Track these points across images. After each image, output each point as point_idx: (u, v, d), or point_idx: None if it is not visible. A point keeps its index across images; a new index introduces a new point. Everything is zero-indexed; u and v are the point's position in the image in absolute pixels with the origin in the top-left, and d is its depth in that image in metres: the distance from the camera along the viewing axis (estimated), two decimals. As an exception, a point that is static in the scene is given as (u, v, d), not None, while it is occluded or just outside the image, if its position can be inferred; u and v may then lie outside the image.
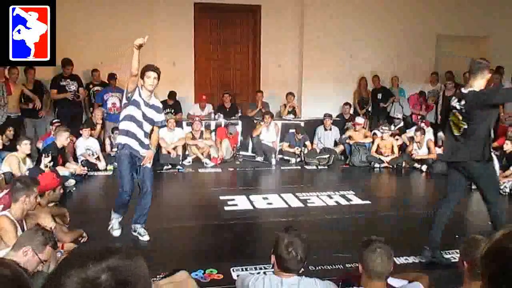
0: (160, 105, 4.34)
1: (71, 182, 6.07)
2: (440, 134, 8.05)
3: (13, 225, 3.00)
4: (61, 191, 4.15)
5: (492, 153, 6.24)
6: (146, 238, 4.15)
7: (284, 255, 2.23)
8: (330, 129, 8.47)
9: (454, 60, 9.70)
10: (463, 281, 2.31)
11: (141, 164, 4.11)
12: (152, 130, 4.23)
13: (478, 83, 3.48)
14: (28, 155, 6.03)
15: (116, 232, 4.23)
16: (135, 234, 4.19)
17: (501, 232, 1.09)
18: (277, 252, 2.25)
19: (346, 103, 9.21)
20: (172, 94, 8.64)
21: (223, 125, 8.49)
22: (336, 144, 8.51)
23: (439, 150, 7.65)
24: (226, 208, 5.24)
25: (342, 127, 8.88)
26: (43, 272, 2.60)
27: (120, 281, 0.73)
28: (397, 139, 8.15)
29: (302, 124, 8.66)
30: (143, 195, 4.17)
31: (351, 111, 9.25)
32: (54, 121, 7.21)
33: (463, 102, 3.51)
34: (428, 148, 7.56)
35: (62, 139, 6.22)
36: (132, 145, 4.08)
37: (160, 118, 4.25)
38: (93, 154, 7.20)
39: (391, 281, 2.35)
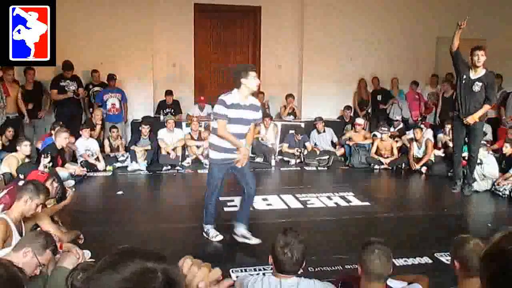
0: (258, 103, 4.22)
1: (71, 182, 6.06)
2: (440, 135, 8.06)
3: (5, 228, 2.97)
4: (54, 184, 4.11)
5: (491, 155, 6.36)
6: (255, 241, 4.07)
7: (280, 256, 2.23)
8: (324, 131, 8.46)
9: (453, 62, 9.69)
10: (457, 281, 2.31)
11: (238, 165, 4.02)
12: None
13: None
14: (28, 156, 6.02)
15: (219, 237, 4.23)
16: (240, 238, 4.12)
17: (500, 234, 1.10)
18: (274, 253, 2.26)
19: (347, 107, 9.21)
20: (168, 92, 8.62)
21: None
22: (334, 144, 8.52)
23: (439, 152, 7.67)
24: (226, 209, 5.23)
25: (343, 129, 8.89)
26: (42, 274, 2.60)
27: (171, 280, 0.89)
28: (396, 141, 8.16)
29: (302, 125, 8.66)
30: (249, 196, 4.17)
31: (351, 114, 9.26)
32: (57, 128, 7.07)
33: None
34: (426, 147, 7.56)
35: (61, 139, 6.22)
36: (229, 157, 4.03)
37: (258, 116, 4.14)
38: (92, 155, 7.20)
39: (391, 282, 2.35)
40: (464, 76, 5.31)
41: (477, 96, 5.29)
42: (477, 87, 5.27)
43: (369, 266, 2.16)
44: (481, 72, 5.35)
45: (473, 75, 5.31)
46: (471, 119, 5.41)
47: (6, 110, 7.19)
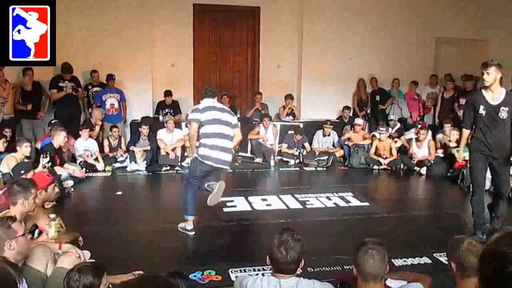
0: None
1: (70, 183, 6.06)
2: (439, 136, 8.06)
3: None
4: (56, 189, 4.11)
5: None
6: None
7: (275, 255, 2.24)
8: (329, 135, 8.47)
9: (453, 62, 9.72)
10: (455, 282, 2.31)
11: None
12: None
13: None
14: (27, 157, 6.01)
15: None
16: None
17: (496, 236, 1.11)
18: (270, 252, 2.26)
19: (346, 107, 9.22)
20: (167, 93, 8.62)
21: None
22: (334, 146, 8.52)
23: (438, 153, 7.67)
24: (225, 209, 5.22)
25: (342, 130, 8.89)
26: (41, 274, 2.60)
27: None
28: (395, 141, 8.16)
29: (301, 125, 8.66)
30: None
31: (350, 114, 9.26)
32: (53, 121, 7.18)
33: None
34: (429, 148, 7.57)
35: (59, 139, 6.21)
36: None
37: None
38: (91, 155, 7.20)
39: (390, 283, 2.35)
40: (482, 107, 4.08)
41: (503, 124, 4.08)
42: (503, 113, 4.03)
43: (363, 267, 2.15)
44: (500, 93, 4.10)
45: (491, 99, 4.08)
46: None
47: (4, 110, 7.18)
